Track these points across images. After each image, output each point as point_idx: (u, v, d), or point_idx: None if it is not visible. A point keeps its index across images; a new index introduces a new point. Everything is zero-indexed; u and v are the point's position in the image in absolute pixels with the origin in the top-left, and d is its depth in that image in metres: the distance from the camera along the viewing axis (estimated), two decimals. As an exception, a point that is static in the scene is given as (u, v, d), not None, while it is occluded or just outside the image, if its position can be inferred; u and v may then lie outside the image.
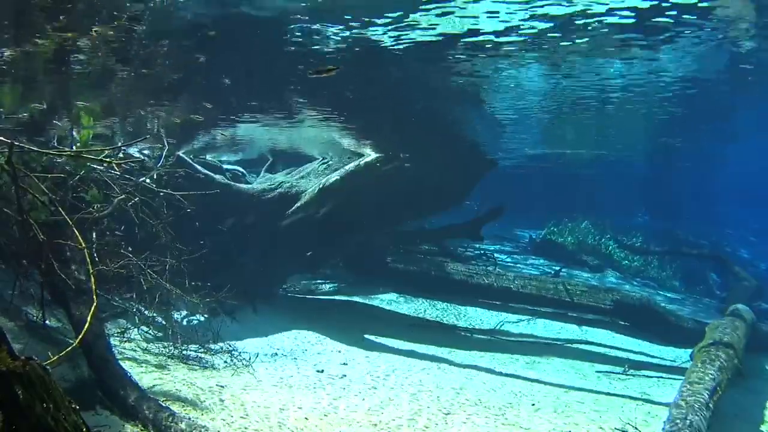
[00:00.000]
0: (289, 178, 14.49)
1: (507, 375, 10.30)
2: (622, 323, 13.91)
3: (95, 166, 8.53)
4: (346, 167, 13.53)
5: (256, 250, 12.95)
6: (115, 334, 9.25)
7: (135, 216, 9.12)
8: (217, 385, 8.12)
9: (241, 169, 16.41)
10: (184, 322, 10.79)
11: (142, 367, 8.34)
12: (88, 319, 5.31)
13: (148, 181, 10.13)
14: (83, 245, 5.85)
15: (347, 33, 7.22)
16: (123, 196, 8.17)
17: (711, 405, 7.68)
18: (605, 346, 12.84)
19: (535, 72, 9.25)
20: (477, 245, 18.50)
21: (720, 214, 31.63)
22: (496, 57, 8.24)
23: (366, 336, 11.86)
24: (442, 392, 8.88)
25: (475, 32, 7.15)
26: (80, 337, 5.14)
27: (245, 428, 6.80)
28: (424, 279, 15.21)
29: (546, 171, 28.11)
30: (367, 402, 8.16)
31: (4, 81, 9.18)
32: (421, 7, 6.42)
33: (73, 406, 2.98)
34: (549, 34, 7.19)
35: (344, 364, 10.08)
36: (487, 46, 7.66)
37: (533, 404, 8.70)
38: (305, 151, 16.23)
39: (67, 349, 4.56)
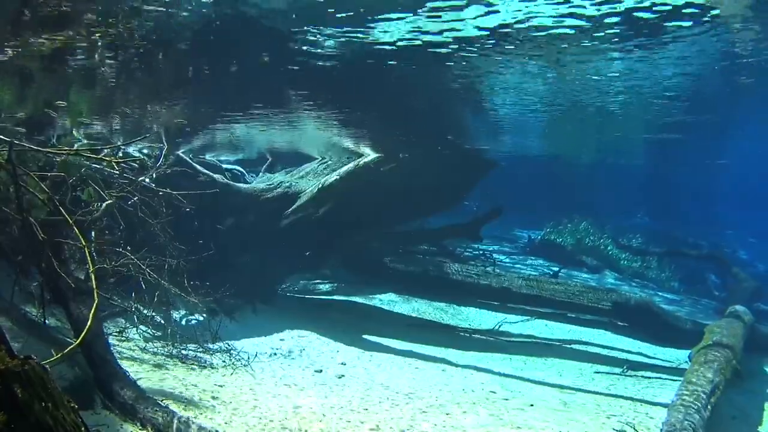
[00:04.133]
0: (289, 178, 14.50)
1: (506, 375, 10.31)
2: (621, 324, 13.90)
3: (93, 164, 8.53)
4: (345, 167, 13.53)
5: (255, 250, 12.95)
6: (114, 334, 9.26)
7: (123, 216, 9.12)
8: (215, 384, 8.12)
9: (240, 169, 16.42)
10: (183, 322, 10.79)
11: (140, 366, 8.34)
12: (90, 317, 5.30)
13: (147, 180, 10.12)
14: (84, 244, 5.86)
15: (346, 32, 7.21)
16: (111, 201, 8.13)
17: (709, 406, 7.70)
18: (604, 346, 12.85)
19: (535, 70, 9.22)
20: (476, 245, 18.50)
21: (719, 215, 31.65)
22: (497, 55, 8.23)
23: (364, 336, 11.87)
24: (441, 392, 8.88)
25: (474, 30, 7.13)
26: (82, 336, 5.14)
27: (243, 428, 6.80)
28: (422, 279, 15.20)
29: (545, 171, 28.14)
30: (365, 402, 8.16)
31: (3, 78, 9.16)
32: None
33: (72, 405, 2.97)
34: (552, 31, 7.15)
35: (343, 364, 10.09)
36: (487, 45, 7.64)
37: (532, 404, 8.70)
38: (304, 151, 16.23)
39: (69, 349, 4.55)
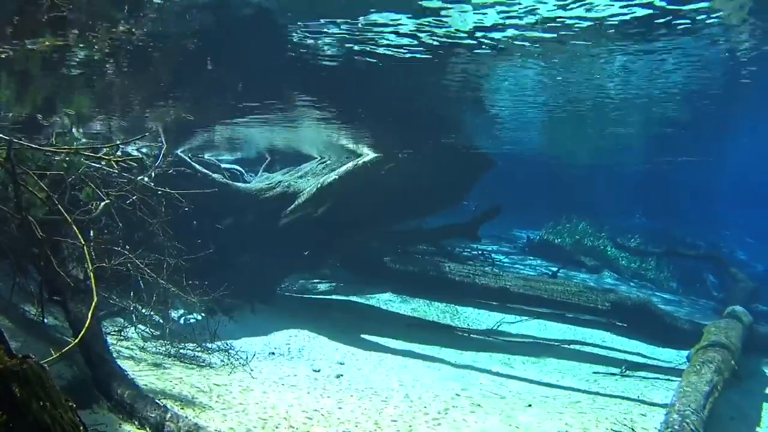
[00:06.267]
0: (288, 178, 14.50)
1: (504, 375, 10.31)
2: (620, 324, 13.92)
3: (92, 164, 8.52)
4: (344, 167, 13.54)
5: (254, 250, 12.95)
6: (113, 333, 9.26)
7: (122, 215, 9.11)
8: (213, 384, 8.12)
9: (239, 168, 16.43)
10: (182, 321, 10.79)
11: (139, 365, 8.33)
12: (89, 316, 5.30)
13: (146, 179, 10.12)
14: (84, 242, 5.85)
15: (346, 32, 7.21)
16: (108, 201, 8.12)
17: (707, 406, 7.71)
18: (602, 347, 12.86)
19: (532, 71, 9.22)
20: (474, 245, 18.52)
21: (718, 214, 31.66)
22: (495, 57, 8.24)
23: (363, 336, 11.87)
24: (439, 392, 8.88)
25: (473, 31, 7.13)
26: (80, 335, 5.13)
27: (241, 427, 6.80)
28: (421, 279, 15.21)
29: (544, 171, 28.13)
30: (363, 402, 8.16)
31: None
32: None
33: (70, 404, 2.97)
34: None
35: (341, 363, 10.09)
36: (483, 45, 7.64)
37: (530, 404, 8.70)
38: (303, 150, 16.22)
39: (67, 348, 4.55)
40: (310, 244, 13.22)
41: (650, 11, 6.38)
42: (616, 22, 6.72)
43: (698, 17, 6.62)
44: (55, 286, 7.11)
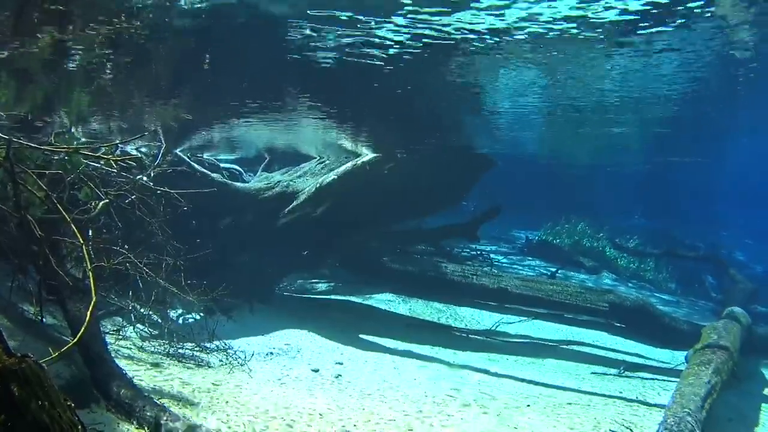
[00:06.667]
0: (286, 178, 14.49)
1: (502, 375, 10.31)
2: (618, 325, 13.92)
3: (91, 163, 8.51)
4: (343, 167, 13.54)
5: (253, 249, 12.95)
6: (111, 332, 9.25)
7: (121, 215, 9.11)
8: (212, 383, 8.12)
9: (238, 168, 16.42)
10: (180, 321, 10.79)
11: (137, 365, 8.33)
12: (87, 316, 5.30)
13: (145, 179, 10.12)
14: (83, 242, 5.85)
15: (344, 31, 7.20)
16: (106, 200, 8.11)
17: (706, 407, 7.71)
18: (601, 347, 12.86)
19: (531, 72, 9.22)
20: (473, 246, 18.51)
21: (717, 215, 31.64)
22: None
23: (362, 336, 11.87)
24: (438, 392, 8.89)
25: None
26: (79, 335, 5.13)
27: (239, 427, 6.80)
28: (420, 279, 15.21)
29: (543, 171, 28.12)
30: (361, 402, 8.16)
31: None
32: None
33: (69, 403, 2.97)
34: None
35: (339, 363, 10.09)
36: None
37: (528, 405, 8.70)
38: (302, 150, 16.22)
39: (66, 347, 4.54)
40: (309, 244, 13.21)
41: (646, 7, 6.37)
42: (612, 19, 6.71)
43: (696, 12, 6.61)
44: (53, 285, 7.11)
